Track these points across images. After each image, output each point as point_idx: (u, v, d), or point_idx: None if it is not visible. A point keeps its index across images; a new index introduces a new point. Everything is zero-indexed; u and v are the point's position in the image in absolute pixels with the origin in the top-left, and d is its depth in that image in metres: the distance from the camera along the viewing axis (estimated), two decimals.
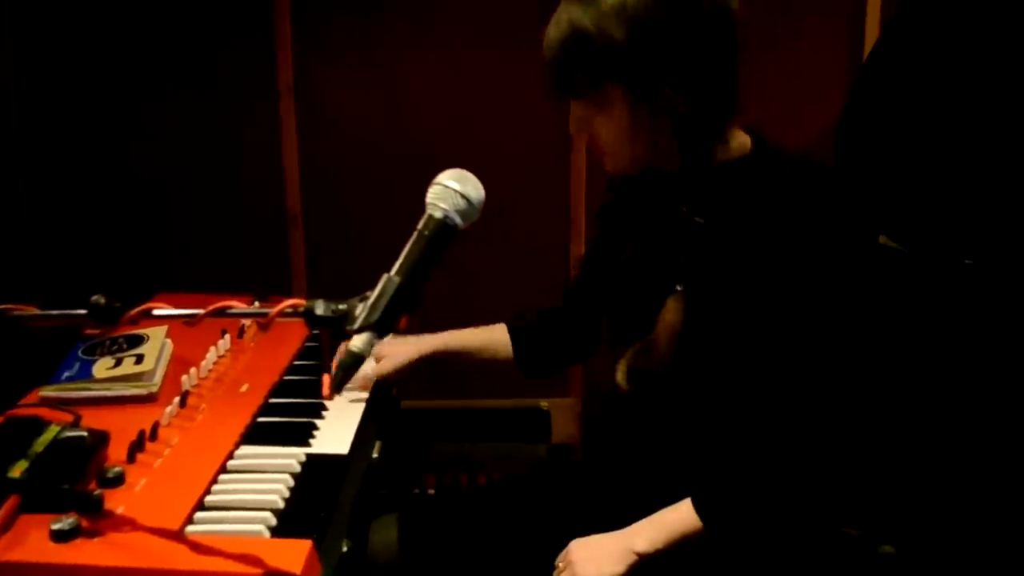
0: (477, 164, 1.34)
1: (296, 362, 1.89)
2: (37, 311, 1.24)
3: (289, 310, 1.18)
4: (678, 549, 1.46)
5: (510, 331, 1.90)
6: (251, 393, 1.72)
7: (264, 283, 2.28)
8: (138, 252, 2.99)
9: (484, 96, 2.95)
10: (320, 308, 1.17)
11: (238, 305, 1.21)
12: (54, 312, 1.24)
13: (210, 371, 1.79)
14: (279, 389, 1.77)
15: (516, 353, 1.89)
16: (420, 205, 1.27)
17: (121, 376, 1.68)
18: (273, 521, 1.33)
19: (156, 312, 1.21)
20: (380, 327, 1.15)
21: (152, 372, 1.70)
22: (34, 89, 2.88)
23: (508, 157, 2.94)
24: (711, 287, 1.51)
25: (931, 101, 2.37)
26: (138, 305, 1.21)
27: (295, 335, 1.96)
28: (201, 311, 1.20)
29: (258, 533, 1.30)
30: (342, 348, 1.31)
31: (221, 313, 1.20)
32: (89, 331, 1.77)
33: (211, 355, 1.82)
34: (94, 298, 1.18)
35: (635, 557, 1.47)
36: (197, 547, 1.20)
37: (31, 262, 2.89)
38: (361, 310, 1.16)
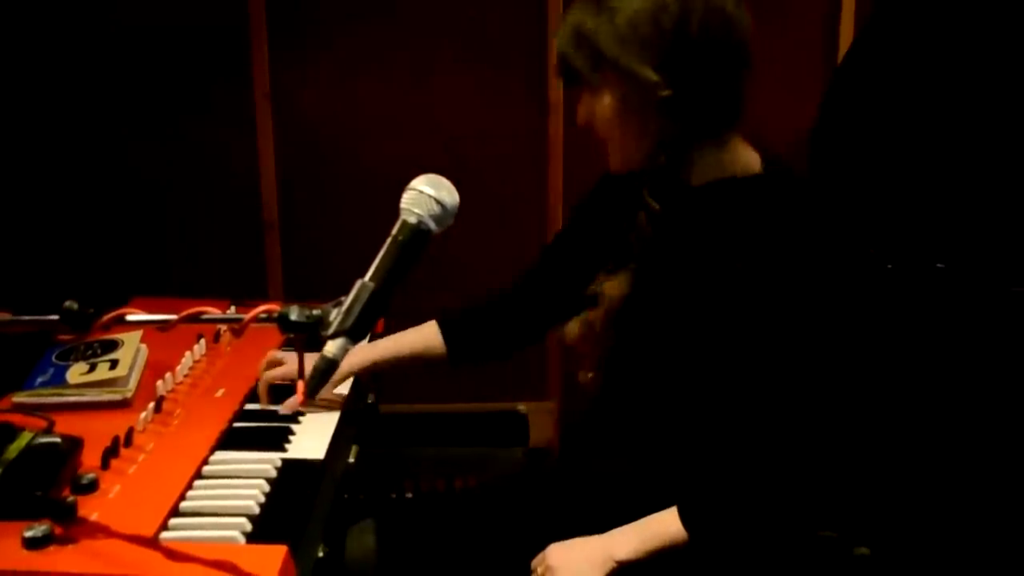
0: (452, 169, 1.34)
1: None
2: (9, 316, 1.23)
3: (263, 315, 1.18)
4: (658, 557, 1.46)
5: (441, 326, 1.85)
6: (227, 398, 1.72)
7: (241, 288, 2.27)
8: (115, 257, 2.97)
9: (460, 103, 2.95)
10: (294, 313, 1.16)
11: (211, 310, 1.21)
12: (26, 318, 1.23)
13: (186, 376, 1.78)
14: (255, 394, 1.77)
15: (449, 348, 1.83)
16: (396, 210, 1.27)
17: (95, 381, 1.68)
18: (248, 527, 1.32)
19: (128, 317, 1.20)
20: (354, 333, 1.15)
21: (127, 377, 1.69)
22: (8, 93, 2.86)
23: (483, 163, 2.94)
24: (686, 292, 1.51)
25: (905, 105, 2.38)
26: (112, 310, 1.21)
27: (271, 340, 1.95)
28: (174, 316, 1.20)
29: (233, 539, 1.29)
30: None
31: (194, 319, 1.20)
32: (61, 337, 1.76)
33: (187, 360, 1.82)
34: (66, 304, 1.18)
35: (614, 564, 1.46)
36: (172, 554, 1.20)
37: (2, 266, 2.86)
38: (335, 316, 1.16)
